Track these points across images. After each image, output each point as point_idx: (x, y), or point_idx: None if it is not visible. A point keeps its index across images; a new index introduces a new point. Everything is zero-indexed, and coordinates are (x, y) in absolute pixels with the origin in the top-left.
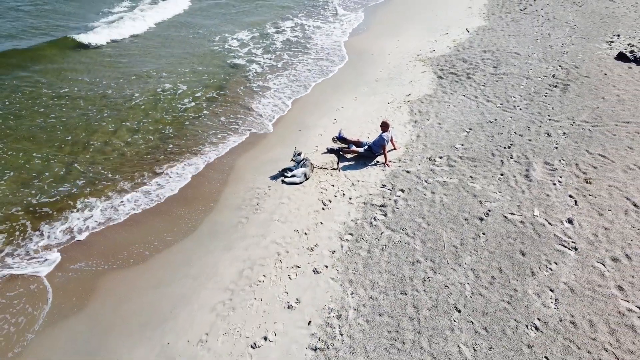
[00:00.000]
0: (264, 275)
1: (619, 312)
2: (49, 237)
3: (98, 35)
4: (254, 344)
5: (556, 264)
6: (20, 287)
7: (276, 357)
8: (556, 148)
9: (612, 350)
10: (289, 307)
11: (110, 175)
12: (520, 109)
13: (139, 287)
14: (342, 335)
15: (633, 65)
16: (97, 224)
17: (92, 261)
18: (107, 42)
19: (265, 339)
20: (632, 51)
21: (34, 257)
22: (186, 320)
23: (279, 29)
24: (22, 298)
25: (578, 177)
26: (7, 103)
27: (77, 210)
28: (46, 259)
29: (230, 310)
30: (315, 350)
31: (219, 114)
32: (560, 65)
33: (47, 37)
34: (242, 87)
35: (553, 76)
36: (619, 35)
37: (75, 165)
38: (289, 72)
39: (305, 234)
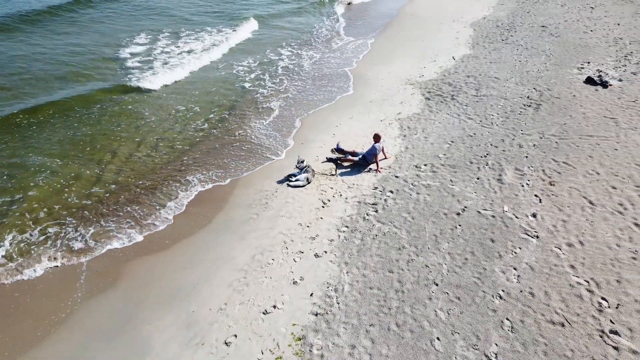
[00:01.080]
0: (273, 259)
1: (570, 285)
2: (89, 233)
3: (150, 82)
4: (265, 310)
5: (520, 248)
6: (65, 271)
7: (284, 321)
8: (526, 157)
9: (562, 314)
10: (294, 283)
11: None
12: (497, 125)
13: (164, 269)
14: (338, 303)
15: (599, 88)
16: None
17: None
18: (160, 87)
19: (275, 307)
20: (599, 76)
21: (77, 246)
22: (207, 294)
23: (293, 56)
24: (67, 277)
25: (543, 180)
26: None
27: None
28: (86, 246)
29: (244, 285)
30: (316, 315)
31: (232, 131)
32: (534, 88)
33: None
34: (251, 108)
35: (528, 97)
36: (589, 62)
37: (118, 178)
38: (295, 96)
39: (308, 226)
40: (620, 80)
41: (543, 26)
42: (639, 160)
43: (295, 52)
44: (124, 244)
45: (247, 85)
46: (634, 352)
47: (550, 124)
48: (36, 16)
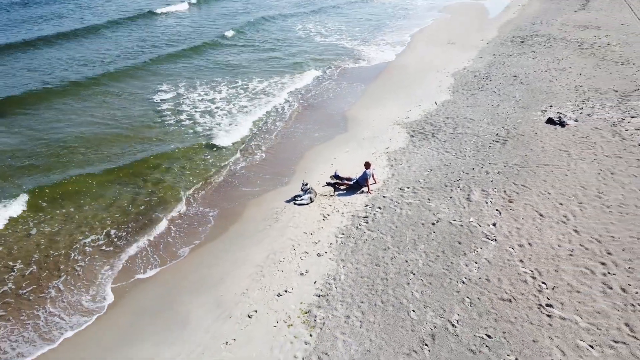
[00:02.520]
0: (283, 258)
1: (518, 273)
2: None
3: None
4: (279, 293)
5: (481, 248)
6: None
7: (293, 300)
8: (491, 181)
9: (510, 293)
10: (301, 275)
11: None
12: (469, 156)
13: (195, 266)
14: (336, 288)
15: (558, 127)
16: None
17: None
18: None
19: (286, 291)
20: (559, 117)
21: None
22: (231, 283)
23: (297, 103)
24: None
25: (504, 198)
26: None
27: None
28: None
29: (261, 277)
30: (319, 296)
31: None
32: (503, 127)
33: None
34: (266, 145)
35: (497, 134)
36: (551, 106)
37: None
38: (300, 134)
39: (311, 234)
40: (576, 120)
41: (515, 76)
42: (584, 183)
43: (299, 101)
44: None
45: (263, 123)
46: (563, 318)
47: (514, 155)
48: (100, 77)
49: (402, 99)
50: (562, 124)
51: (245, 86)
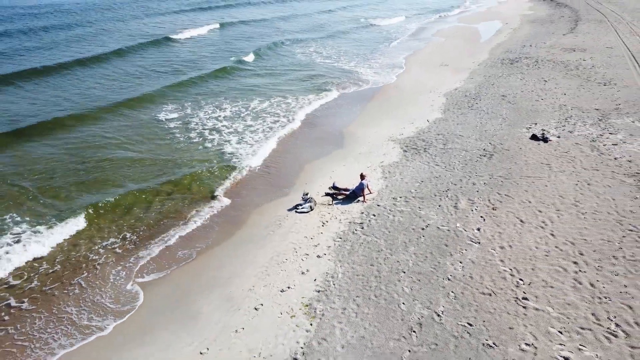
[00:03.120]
0: (286, 259)
1: (498, 271)
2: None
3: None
4: (282, 289)
5: (466, 250)
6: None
7: (296, 295)
8: (477, 191)
9: (490, 288)
10: (302, 273)
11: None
12: (457, 169)
13: (204, 267)
14: (334, 284)
15: (541, 142)
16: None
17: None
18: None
19: (289, 287)
20: (542, 134)
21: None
22: (239, 281)
23: (299, 121)
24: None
25: (488, 206)
26: None
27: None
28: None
29: (266, 275)
30: (318, 292)
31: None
32: (490, 143)
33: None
34: (272, 163)
35: (484, 149)
36: (536, 123)
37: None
38: (301, 150)
39: (312, 238)
40: (558, 136)
41: (503, 95)
42: (562, 193)
43: (302, 119)
44: (183, 247)
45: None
46: (536, 309)
47: (499, 168)
48: (130, 102)
49: (397, 117)
50: (545, 139)
51: (254, 107)
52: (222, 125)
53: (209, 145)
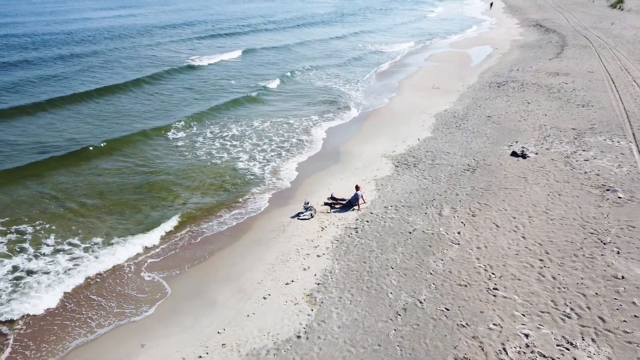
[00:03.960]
0: (290, 258)
1: (474, 267)
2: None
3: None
4: (287, 282)
5: (447, 250)
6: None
7: (298, 287)
8: (460, 201)
9: (466, 280)
10: (304, 270)
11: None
12: (443, 182)
13: (219, 265)
14: (332, 278)
15: (520, 159)
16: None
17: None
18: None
19: (292, 281)
20: (522, 151)
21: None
22: (249, 276)
23: (299, 140)
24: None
25: (468, 214)
26: None
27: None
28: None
29: (272, 271)
30: (318, 284)
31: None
32: (473, 159)
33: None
34: (273, 178)
35: (468, 165)
36: (517, 142)
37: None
38: (301, 166)
39: (312, 241)
40: (536, 153)
41: (488, 116)
42: (535, 202)
43: (305, 138)
44: (199, 248)
45: (272, 159)
46: (504, 297)
47: (480, 181)
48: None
49: (390, 136)
50: (523, 156)
51: (270, 130)
52: (231, 146)
53: (218, 161)
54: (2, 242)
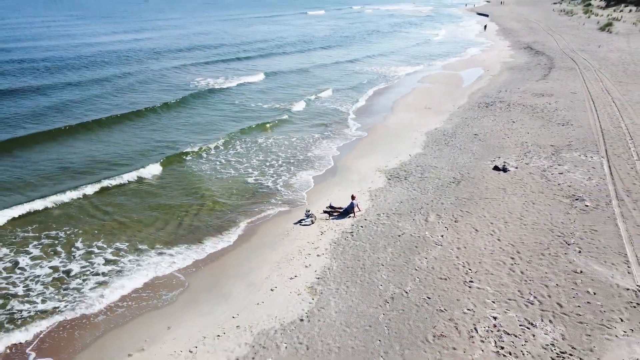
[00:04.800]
0: (293, 257)
1: (454, 264)
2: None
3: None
4: (291, 277)
5: (431, 250)
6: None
7: (301, 281)
8: (444, 209)
9: (446, 275)
10: (306, 267)
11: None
12: (430, 193)
13: (229, 265)
14: (330, 274)
15: (501, 172)
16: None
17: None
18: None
19: (295, 276)
20: (503, 165)
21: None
22: (257, 273)
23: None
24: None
25: (451, 220)
26: None
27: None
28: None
29: (278, 268)
30: (318, 278)
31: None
32: (459, 172)
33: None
34: (276, 189)
35: (453, 177)
36: (500, 157)
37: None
38: (302, 180)
39: (313, 243)
40: (516, 167)
41: (475, 134)
42: (511, 210)
43: (305, 155)
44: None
45: (277, 174)
46: (478, 288)
47: (464, 192)
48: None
49: (384, 152)
50: (504, 170)
51: (281, 155)
52: (251, 161)
53: (231, 174)
54: (83, 246)
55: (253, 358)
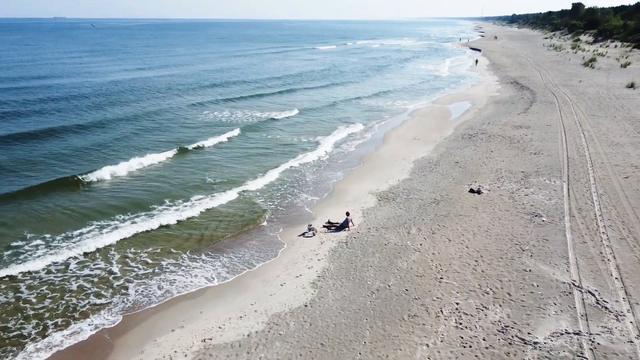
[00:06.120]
0: (298, 261)
1: (429, 265)
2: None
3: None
4: (296, 276)
5: (410, 255)
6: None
7: (305, 278)
8: (424, 224)
9: (421, 273)
10: (308, 268)
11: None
12: (414, 211)
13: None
14: (328, 273)
15: (476, 194)
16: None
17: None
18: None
19: (300, 275)
20: (478, 188)
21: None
22: (271, 273)
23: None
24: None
25: (429, 232)
26: None
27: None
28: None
29: (286, 269)
30: (318, 277)
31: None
32: (439, 195)
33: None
34: (282, 215)
35: (434, 199)
36: (476, 181)
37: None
38: (304, 202)
39: (314, 250)
40: (489, 190)
41: (457, 162)
42: (480, 224)
43: (305, 182)
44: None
45: (278, 198)
46: (447, 283)
47: (442, 210)
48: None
49: (375, 178)
50: (479, 192)
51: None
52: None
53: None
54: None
55: (269, 331)
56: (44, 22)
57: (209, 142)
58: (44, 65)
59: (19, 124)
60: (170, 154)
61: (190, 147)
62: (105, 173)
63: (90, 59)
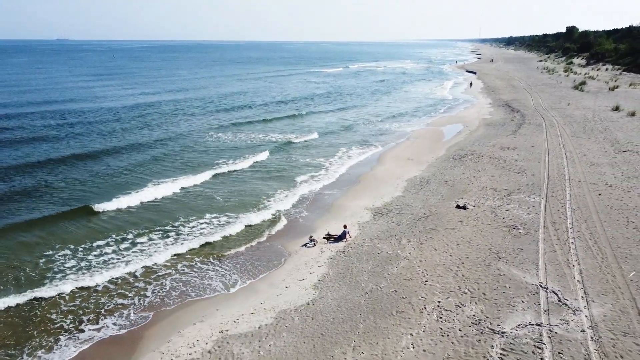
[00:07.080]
0: (301, 267)
1: (415, 270)
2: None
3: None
4: (299, 280)
5: (400, 262)
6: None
7: (308, 282)
8: (414, 235)
9: (409, 277)
10: (310, 273)
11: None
12: (405, 225)
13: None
14: (327, 277)
15: (462, 210)
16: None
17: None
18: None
19: (303, 279)
20: (464, 204)
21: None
22: (275, 277)
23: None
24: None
25: (418, 242)
26: None
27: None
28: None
29: (290, 274)
30: (319, 280)
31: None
32: (429, 210)
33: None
34: (289, 227)
35: (424, 214)
36: (462, 198)
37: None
38: (306, 216)
39: (315, 258)
40: (474, 206)
41: (446, 180)
42: (464, 236)
43: (306, 200)
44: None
45: (290, 208)
46: (431, 285)
47: (430, 224)
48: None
49: (371, 195)
50: (464, 207)
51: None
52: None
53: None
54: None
55: (277, 324)
56: (48, 43)
57: (220, 170)
58: (57, 90)
59: (54, 149)
60: (207, 176)
61: (208, 172)
62: (149, 191)
63: (100, 82)
